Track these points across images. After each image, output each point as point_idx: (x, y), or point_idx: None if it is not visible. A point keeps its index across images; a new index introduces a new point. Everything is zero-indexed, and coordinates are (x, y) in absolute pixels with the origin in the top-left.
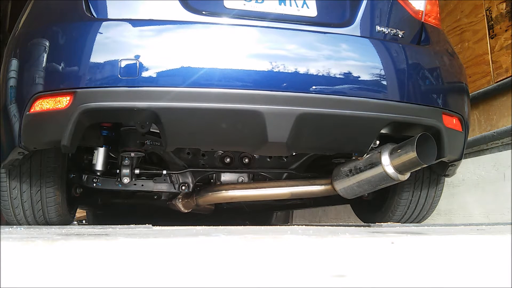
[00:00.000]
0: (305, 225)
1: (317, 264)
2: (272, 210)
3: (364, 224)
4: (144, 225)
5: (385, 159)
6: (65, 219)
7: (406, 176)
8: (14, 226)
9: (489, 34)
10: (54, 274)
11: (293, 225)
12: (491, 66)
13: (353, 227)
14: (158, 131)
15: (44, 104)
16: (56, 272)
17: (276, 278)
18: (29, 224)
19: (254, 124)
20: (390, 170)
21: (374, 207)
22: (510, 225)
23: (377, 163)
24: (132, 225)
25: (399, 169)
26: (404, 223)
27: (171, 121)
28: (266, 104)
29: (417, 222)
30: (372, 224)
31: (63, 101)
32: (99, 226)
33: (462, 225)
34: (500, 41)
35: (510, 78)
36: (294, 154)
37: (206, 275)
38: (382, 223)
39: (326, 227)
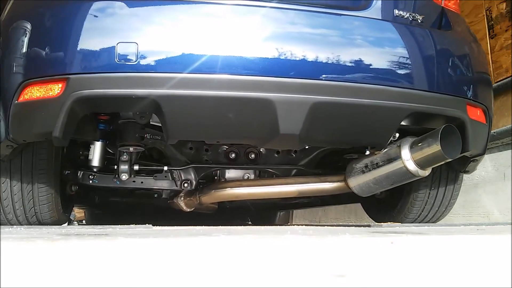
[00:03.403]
0: (305, 225)
1: (317, 264)
2: (278, 209)
3: (364, 224)
4: (144, 225)
5: (405, 153)
6: (60, 219)
7: (428, 171)
8: (15, 226)
9: (489, 34)
10: (54, 274)
11: (293, 225)
12: (491, 66)
13: (353, 227)
14: (159, 124)
15: (34, 92)
16: (56, 272)
17: (276, 278)
18: (21, 225)
19: (264, 114)
20: (410, 165)
21: (387, 207)
22: (510, 225)
23: (397, 157)
24: (132, 225)
25: (421, 164)
26: (419, 223)
27: (173, 110)
28: (277, 92)
29: (432, 222)
30: (372, 224)
31: (55, 89)
32: (99, 226)
33: (462, 225)
34: (500, 41)
35: (510, 78)
36: (303, 149)
37: (206, 275)
38: (382, 223)
39: (326, 227)
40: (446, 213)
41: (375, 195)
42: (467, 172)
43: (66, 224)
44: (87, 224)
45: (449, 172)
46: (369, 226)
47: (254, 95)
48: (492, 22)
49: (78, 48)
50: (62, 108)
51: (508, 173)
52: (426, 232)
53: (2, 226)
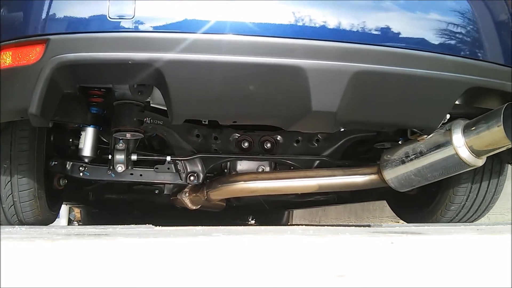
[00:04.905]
0: (305, 225)
1: (317, 264)
2: (288, 208)
3: (364, 224)
4: (145, 225)
5: (458, 138)
6: (45, 218)
7: (483, 160)
8: (16, 226)
9: None
10: (54, 274)
11: (293, 225)
12: None
13: (353, 227)
14: (160, 107)
15: (6, 59)
16: (56, 272)
17: (276, 278)
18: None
19: (292, 86)
20: (464, 152)
21: (420, 204)
22: (510, 225)
23: (446, 143)
24: (132, 225)
25: (476, 151)
26: (456, 223)
27: (179, 80)
28: (310, 58)
29: (472, 221)
30: (372, 224)
31: (32, 53)
32: (100, 226)
33: (462, 225)
34: None
35: None
36: (326, 137)
37: (206, 275)
38: (382, 223)
39: (326, 227)
40: (486, 212)
41: (405, 192)
42: None
43: (66, 224)
44: (83, 224)
45: (493, 163)
46: (369, 226)
47: (280, 61)
48: None
49: (60, 2)
50: (40, 77)
51: (508, 173)
52: (426, 232)
53: (2, 226)
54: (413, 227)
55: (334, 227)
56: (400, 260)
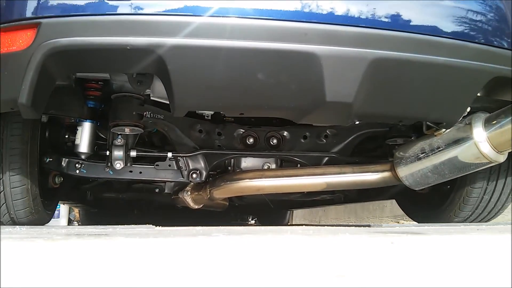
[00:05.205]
0: (305, 225)
1: (317, 264)
2: (296, 207)
3: (364, 224)
4: (145, 225)
5: (479, 132)
6: (40, 218)
7: (505, 156)
8: (16, 226)
9: None
10: (54, 274)
11: (293, 225)
12: None
13: (353, 227)
14: (161, 100)
15: None
16: (56, 272)
17: (276, 278)
18: None
19: (305, 74)
20: (485, 147)
21: (432, 204)
22: (510, 225)
23: (466, 138)
24: (133, 225)
25: (499, 146)
26: (471, 222)
27: (183, 68)
28: (324, 43)
29: (486, 221)
30: (372, 224)
31: (22, 39)
32: (100, 226)
33: (462, 225)
34: None
35: None
36: (335, 133)
37: (206, 275)
38: (382, 224)
39: (326, 227)
40: (502, 211)
41: (417, 190)
42: None
43: (66, 224)
44: (82, 224)
45: (510, 161)
46: (369, 226)
47: (292, 47)
48: None
49: None
50: (31, 64)
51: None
52: (426, 232)
53: (2, 226)
54: (413, 227)
55: (334, 227)
56: (400, 260)
